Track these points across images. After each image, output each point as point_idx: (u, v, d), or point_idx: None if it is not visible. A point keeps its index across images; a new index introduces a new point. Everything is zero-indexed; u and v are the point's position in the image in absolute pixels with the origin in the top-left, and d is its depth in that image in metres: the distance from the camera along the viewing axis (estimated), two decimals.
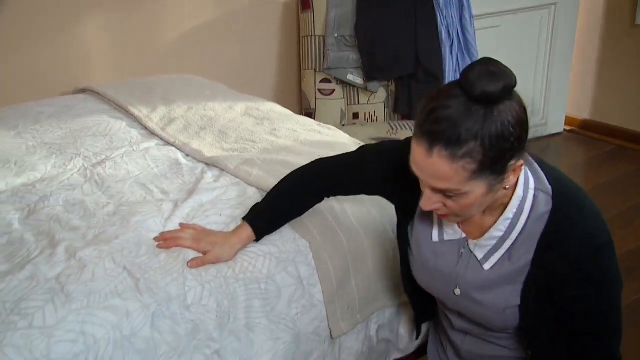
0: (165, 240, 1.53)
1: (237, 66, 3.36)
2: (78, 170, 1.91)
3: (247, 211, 1.60)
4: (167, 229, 1.59)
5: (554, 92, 4.26)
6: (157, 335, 1.38)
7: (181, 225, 1.60)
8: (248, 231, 1.55)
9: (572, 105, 4.39)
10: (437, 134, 1.15)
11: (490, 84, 1.12)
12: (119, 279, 1.41)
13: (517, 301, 1.34)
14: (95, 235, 1.55)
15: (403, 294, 1.74)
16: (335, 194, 1.65)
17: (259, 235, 1.56)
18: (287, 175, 1.62)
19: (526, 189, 1.29)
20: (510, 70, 1.16)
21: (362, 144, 2.16)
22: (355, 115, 3.35)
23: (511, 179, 1.23)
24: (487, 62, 1.16)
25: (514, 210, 1.29)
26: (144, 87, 2.62)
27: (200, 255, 1.51)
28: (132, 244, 1.52)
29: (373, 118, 3.36)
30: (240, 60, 3.37)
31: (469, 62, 3.42)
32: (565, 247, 1.25)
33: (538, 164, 1.33)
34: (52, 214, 1.65)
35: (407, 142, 1.27)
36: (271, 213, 1.59)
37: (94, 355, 1.30)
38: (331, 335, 1.63)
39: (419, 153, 1.19)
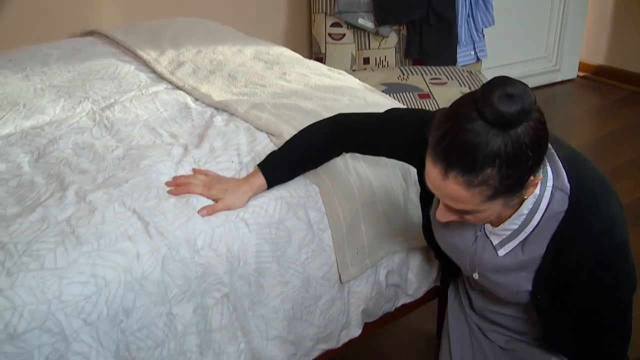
0: (177, 186, 1.53)
1: (246, 9, 3.31)
2: (87, 114, 1.90)
3: (261, 158, 1.58)
4: (178, 174, 1.58)
5: (568, 36, 4.18)
6: (168, 278, 1.39)
7: (194, 170, 1.60)
8: (260, 180, 1.53)
9: (587, 50, 4.32)
10: (452, 158, 1.12)
11: (508, 107, 1.07)
12: (128, 222, 1.41)
13: (529, 287, 1.36)
14: (104, 178, 1.55)
15: (413, 239, 1.75)
16: (353, 152, 1.63)
17: (271, 184, 1.55)
18: (308, 127, 1.59)
19: (543, 186, 1.26)
20: (528, 89, 1.10)
21: (373, 88, 2.14)
22: (366, 61, 3.32)
23: (530, 191, 1.21)
24: (505, 82, 1.10)
25: (529, 207, 1.28)
26: (152, 30, 2.58)
27: (211, 202, 1.50)
28: (141, 187, 1.51)
29: (384, 63, 3.32)
30: (249, 3, 3.32)
31: (482, 6, 3.35)
32: (576, 248, 1.25)
33: (563, 154, 1.28)
34: (61, 157, 1.65)
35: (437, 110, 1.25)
36: (287, 163, 1.57)
37: (105, 296, 1.32)
38: (340, 280, 1.64)
39: (434, 175, 1.16)
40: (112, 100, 1.99)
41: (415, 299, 1.89)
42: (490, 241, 1.38)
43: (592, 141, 3.59)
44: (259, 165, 1.56)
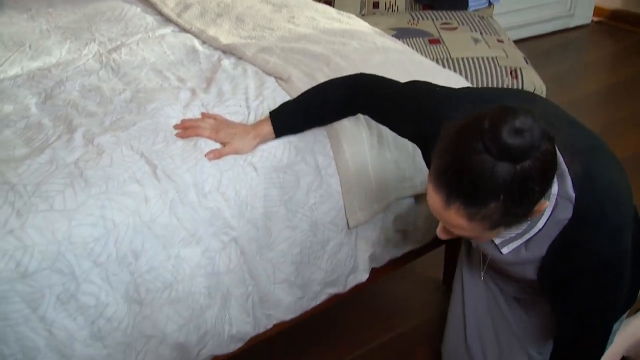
0: (185, 129, 1.52)
1: None
2: (93, 56, 1.88)
3: (269, 102, 1.56)
4: (185, 117, 1.57)
5: None
6: (176, 221, 1.40)
7: (203, 114, 1.59)
8: (268, 127, 1.52)
9: None
10: (455, 190, 1.08)
11: (516, 142, 1.01)
12: (136, 165, 1.41)
13: (534, 277, 1.36)
14: (112, 121, 1.55)
15: (421, 185, 1.74)
16: (366, 114, 1.58)
17: (279, 133, 1.54)
18: (327, 81, 1.56)
19: (547, 195, 1.22)
20: (538, 122, 1.03)
21: (383, 32, 2.10)
22: (375, 5, 3.25)
23: (534, 215, 1.17)
24: (513, 115, 1.03)
25: None
26: None
27: (219, 146, 1.50)
28: (149, 130, 1.51)
29: (394, 8, 3.26)
30: None
31: None
32: (574, 255, 1.24)
33: (574, 160, 1.22)
34: (68, 99, 1.64)
35: (457, 95, 1.23)
36: (298, 115, 1.55)
37: (113, 239, 1.32)
38: (348, 225, 1.64)
39: (435, 200, 1.12)
40: (119, 43, 1.97)
41: (423, 245, 1.90)
42: (494, 240, 1.37)
43: (606, 88, 3.54)
44: (270, 112, 1.55)
